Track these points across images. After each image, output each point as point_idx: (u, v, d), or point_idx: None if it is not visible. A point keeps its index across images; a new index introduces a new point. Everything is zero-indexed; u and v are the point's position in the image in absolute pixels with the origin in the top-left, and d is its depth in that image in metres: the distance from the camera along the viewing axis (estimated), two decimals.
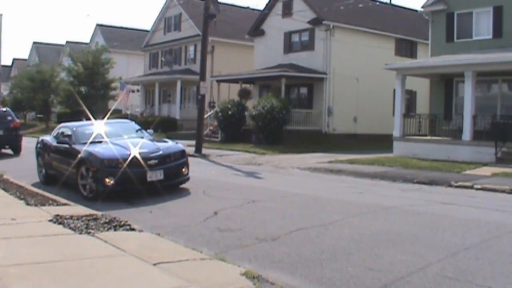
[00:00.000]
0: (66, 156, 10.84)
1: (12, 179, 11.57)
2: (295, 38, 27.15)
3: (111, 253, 5.66)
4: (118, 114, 32.18)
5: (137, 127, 12.47)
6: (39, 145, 12.67)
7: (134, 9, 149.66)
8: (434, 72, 19.06)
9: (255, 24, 29.54)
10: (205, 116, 24.13)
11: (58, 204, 8.74)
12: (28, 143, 20.66)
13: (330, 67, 25.04)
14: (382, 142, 21.93)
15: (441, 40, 20.26)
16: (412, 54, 27.85)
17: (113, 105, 32.34)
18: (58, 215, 7.46)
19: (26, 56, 67.62)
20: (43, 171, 12.13)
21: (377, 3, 30.33)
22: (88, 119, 13.65)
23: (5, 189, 10.13)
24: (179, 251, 5.82)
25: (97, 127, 11.49)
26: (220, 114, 25.51)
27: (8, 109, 21.33)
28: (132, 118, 23.75)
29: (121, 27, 51.30)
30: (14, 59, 70.84)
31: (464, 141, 16.67)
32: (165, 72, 36.95)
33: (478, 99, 17.66)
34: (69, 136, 11.33)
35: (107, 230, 6.79)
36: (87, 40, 52.62)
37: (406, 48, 28.13)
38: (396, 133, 18.73)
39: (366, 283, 4.89)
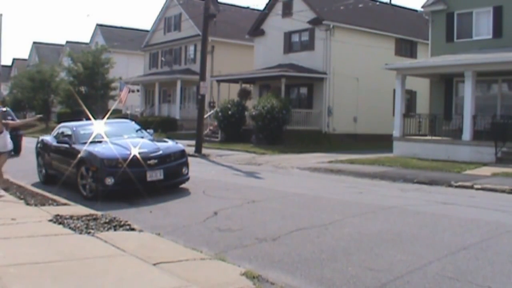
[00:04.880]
0: (66, 156, 10.84)
1: (12, 179, 11.56)
2: (295, 38, 27.14)
3: (111, 253, 5.66)
4: (118, 114, 32.16)
5: (137, 127, 12.47)
6: (39, 145, 12.67)
7: (134, 9, 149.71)
8: (434, 72, 19.06)
9: (255, 24, 29.54)
10: (205, 116, 24.13)
11: (58, 204, 8.74)
12: (28, 143, 20.68)
13: (330, 67, 25.04)
14: (382, 142, 21.93)
15: (441, 40, 20.26)
16: (412, 54, 27.85)
17: (113, 105, 32.33)
18: (58, 215, 7.46)
19: (26, 56, 67.63)
20: (43, 171, 12.13)
21: (377, 3, 30.33)
22: (88, 119, 13.64)
23: (5, 189, 10.12)
24: (179, 251, 5.82)
25: (97, 127, 11.49)
26: (220, 114, 25.50)
27: (8, 109, 21.32)
28: (132, 118, 23.74)
29: (121, 27, 51.30)
30: (14, 59, 70.82)
31: (464, 141, 16.67)
32: (165, 72, 36.96)
33: (478, 99, 17.65)
34: (69, 136, 11.33)
35: (107, 230, 6.79)
36: (87, 40, 52.64)
37: (406, 48, 28.13)
38: (396, 133, 18.72)
39: (366, 283, 4.89)
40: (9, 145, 9.73)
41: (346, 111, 25.51)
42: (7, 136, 9.63)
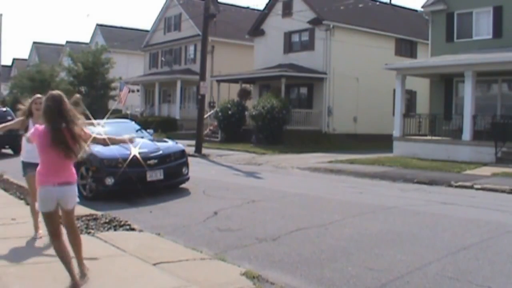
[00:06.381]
0: None
1: (12, 179, 11.55)
2: (295, 38, 27.15)
3: (111, 253, 5.66)
4: (118, 114, 32.16)
5: (137, 127, 12.46)
6: None
7: (134, 9, 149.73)
8: (434, 72, 19.06)
9: (255, 24, 29.55)
10: (205, 116, 24.13)
11: None
12: None
13: (330, 67, 25.04)
14: (382, 142, 21.93)
15: (441, 40, 20.26)
16: (412, 54, 27.85)
17: (113, 105, 32.33)
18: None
19: (26, 56, 67.57)
20: None
21: (377, 3, 30.34)
22: (88, 119, 13.63)
23: (5, 189, 10.12)
24: (179, 251, 5.82)
25: (97, 127, 11.47)
26: (220, 114, 25.52)
27: (8, 109, 21.33)
28: (132, 118, 23.73)
29: (121, 27, 51.24)
30: (14, 59, 70.77)
31: (464, 141, 16.68)
32: (165, 72, 36.96)
33: (478, 99, 17.66)
34: None
35: (107, 230, 6.80)
36: (87, 40, 52.61)
37: (406, 48, 28.13)
38: (396, 133, 18.73)
39: (366, 283, 4.89)
40: None
41: (346, 111, 25.51)
42: None
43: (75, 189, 4.58)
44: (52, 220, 4.42)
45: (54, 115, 4.36)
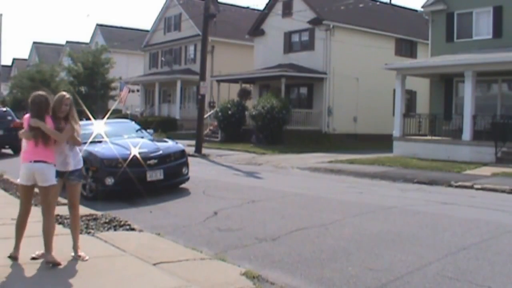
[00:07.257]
0: None
1: (12, 179, 11.55)
2: (295, 38, 27.15)
3: (111, 253, 5.66)
4: (118, 114, 32.15)
5: (137, 127, 12.47)
6: None
7: (134, 9, 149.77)
8: (434, 72, 19.06)
9: (255, 24, 29.54)
10: (205, 116, 24.12)
11: (58, 204, 8.68)
12: None
13: (330, 67, 25.04)
14: (382, 142, 21.93)
15: (441, 40, 20.26)
16: (412, 54, 27.85)
17: (113, 105, 32.33)
18: (58, 215, 7.43)
19: (26, 56, 67.60)
20: None
21: (377, 3, 30.33)
22: (88, 119, 13.62)
23: (5, 189, 10.12)
24: (179, 251, 5.82)
25: (97, 127, 11.48)
26: (220, 114, 25.51)
27: (8, 109, 21.33)
28: (132, 118, 23.72)
29: (121, 27, 51.27)
30: (14, 59, 70.80)
31: (464, 141, 16.67)
32: (165, 72, 36.96)
33: (478, 99, 17.66)
34: None
35: (107, 230, 6.80)
36: (87, 40, 52.63)
37: (406, 48, 28.14)
38: (396, 133, 18.73)
39: (366, 283, 4.89)
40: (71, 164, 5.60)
41: (346, 111, 25.51)
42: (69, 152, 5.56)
43: (50, 168, 5.17)
44: (26, 195, 5.49)
45: (41, 108, 5.24)
